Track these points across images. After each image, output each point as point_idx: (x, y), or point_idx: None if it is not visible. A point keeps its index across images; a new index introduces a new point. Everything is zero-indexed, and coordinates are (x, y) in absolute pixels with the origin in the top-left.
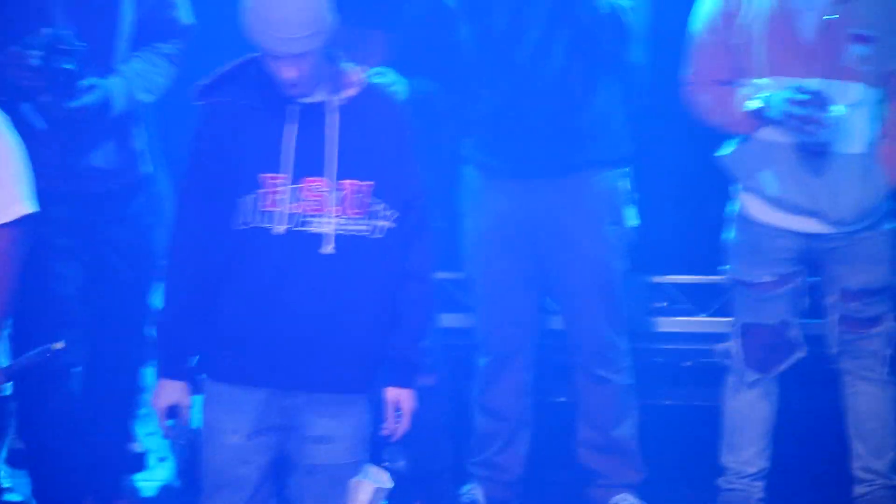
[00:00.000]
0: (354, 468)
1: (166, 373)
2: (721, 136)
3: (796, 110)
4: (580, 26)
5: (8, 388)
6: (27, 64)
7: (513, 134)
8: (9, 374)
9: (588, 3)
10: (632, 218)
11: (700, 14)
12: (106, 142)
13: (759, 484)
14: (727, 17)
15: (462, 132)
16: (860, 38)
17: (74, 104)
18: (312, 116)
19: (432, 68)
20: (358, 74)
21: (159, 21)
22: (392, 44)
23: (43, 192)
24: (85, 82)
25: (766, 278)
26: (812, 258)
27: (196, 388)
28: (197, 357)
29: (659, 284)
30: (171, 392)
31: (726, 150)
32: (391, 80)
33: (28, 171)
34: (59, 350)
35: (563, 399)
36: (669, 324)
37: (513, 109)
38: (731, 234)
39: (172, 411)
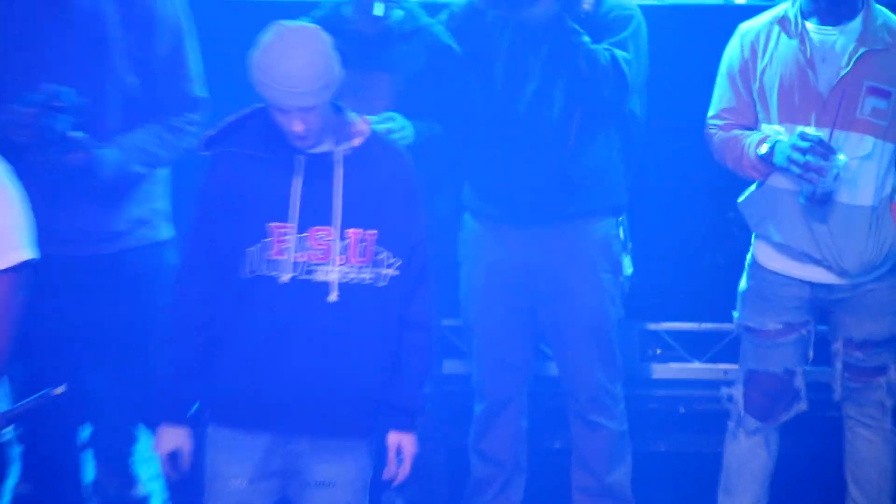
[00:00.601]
0: None
1: (168, 418)
2: (714, 185)
3: (797, 157)
4: (579, 76)
5: (8, 433)
6: (19, 120)
7: (510, 182)
8: (8, 418)
9: (587, 54)
10: (627, 266)
11: (723, 59)
12: (95, 205)
13: None
14: (747, 63)
15: (461, 179)
16: (877, 92)
17: (57, 163)
18: (318, 167)
19: (437, 112)
20: (363, 124)
21: (171, 93)
22: (397, 87)
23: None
24: (72, 133)
25: (772, 326)
26: (819, 307)
27: (197, 433)
28: (197, 404)
29: (653, 331)
30: (173, 437)
31: (744, 195)
32: (400, 125)
33: (29, 219)
34: (59, 395)
35: (558, 445)
36: (663, 370)
37: (511, 157)
38: (743, 281)
39: (174, 457)
